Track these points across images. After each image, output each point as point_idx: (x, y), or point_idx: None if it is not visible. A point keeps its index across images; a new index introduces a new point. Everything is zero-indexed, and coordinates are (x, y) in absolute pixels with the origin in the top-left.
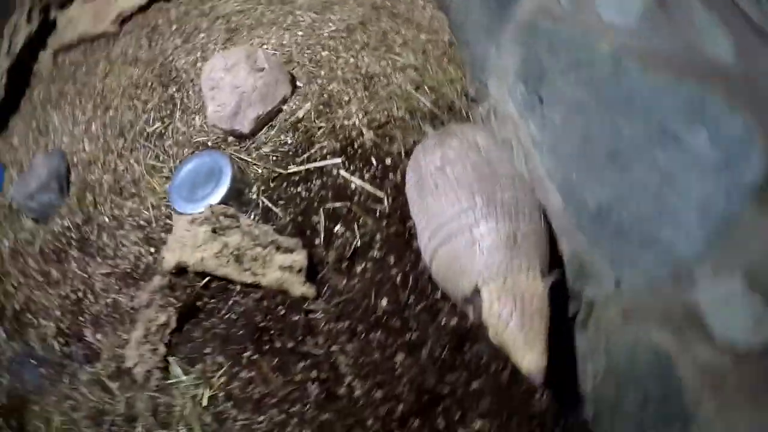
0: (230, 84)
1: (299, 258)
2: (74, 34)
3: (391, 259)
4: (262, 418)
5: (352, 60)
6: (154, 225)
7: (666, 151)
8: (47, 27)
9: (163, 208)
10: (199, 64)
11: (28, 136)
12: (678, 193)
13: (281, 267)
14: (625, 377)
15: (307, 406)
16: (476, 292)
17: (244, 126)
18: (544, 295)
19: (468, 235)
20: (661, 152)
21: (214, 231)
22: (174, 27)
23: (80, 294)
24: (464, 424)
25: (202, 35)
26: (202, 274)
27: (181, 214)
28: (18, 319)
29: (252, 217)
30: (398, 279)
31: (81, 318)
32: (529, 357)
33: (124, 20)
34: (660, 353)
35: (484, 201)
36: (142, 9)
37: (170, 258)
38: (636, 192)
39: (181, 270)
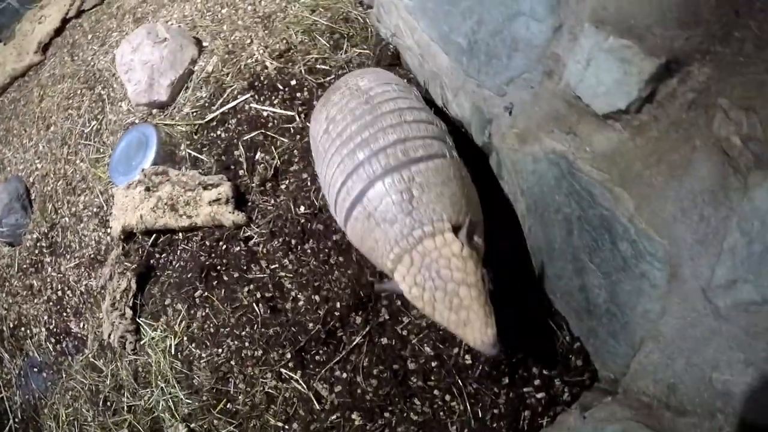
0: (139, 61)
1: (224, 189)
2: (4, 76)
3: (302, 166)
4: (220, 350)
5: (250, 8)
6: (105, 208)
7: None
8: None
9: (110, 191)
10: (115, 62)
11: None
12: None
13: (210, 202)
14: (542, 205)
15: (256, 327)
16: (391, 272)
17: (161, 94)
18: (463, 254)
19: (361, 209)
20: None
21: (147, 189)
22: (90, 36)
23: (59, 293)
24: (407, 311)
25: (114, 34)
26: (148, 233)
27: None
28: (14, 335)
29: (183, 170)
30: (309, 183)
31: (65, 314)
32: (473, 334)
33: (45, 47)
34: (560, 161)
35: (366, 154)
36: (58, 31)
37: (116, 225)
38: (486, 4)
39: (129, 235)
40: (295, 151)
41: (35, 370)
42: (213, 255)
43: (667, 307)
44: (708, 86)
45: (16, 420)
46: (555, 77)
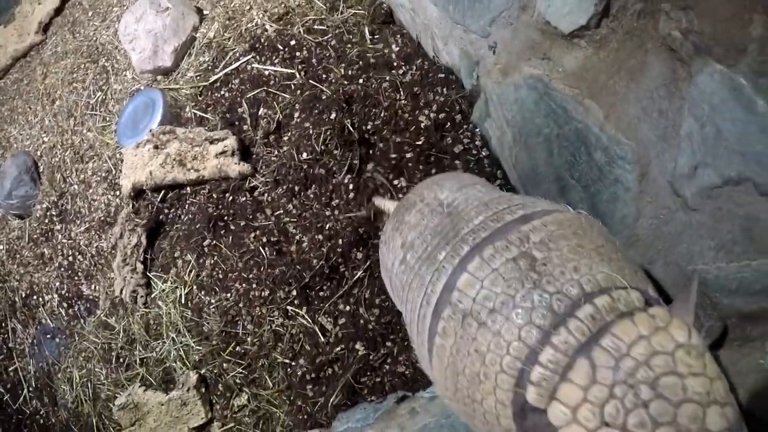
0: (143, 30)
1: (230, 142)
2: (6, 57)
3: (303, 116)
4: (229, 294)
5: None
6: (114, 172)
7: None
8: None
9: (118, 155)
10: (118, 33)
11: None
12: None
13: (216, 155)
14: (525, 132)
15: (262, 268)
16: (532, 411)
17: (166, 60)
18: (693, 342)
19: (449, 311)
20: None
21: (156, 147)
22: (90, 13)
23: (70, 258)
24: None
25: (115, 9)
26: (157, 189)
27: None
28: (26, 305)
29: (189, 128)
30: (311, 131)
31: (76, 278)
32: None
33: (45, 27)
34: (537, 84)
35: (447, 250)
36: (58, 11)
37: (126, 183)
38: None
39: (139, 192)
40: (297, 105)
41: (48, 336)
42: (220, 206)
43: (640, 208)
44: None
45: (30, 389)
46: (529, 10)
